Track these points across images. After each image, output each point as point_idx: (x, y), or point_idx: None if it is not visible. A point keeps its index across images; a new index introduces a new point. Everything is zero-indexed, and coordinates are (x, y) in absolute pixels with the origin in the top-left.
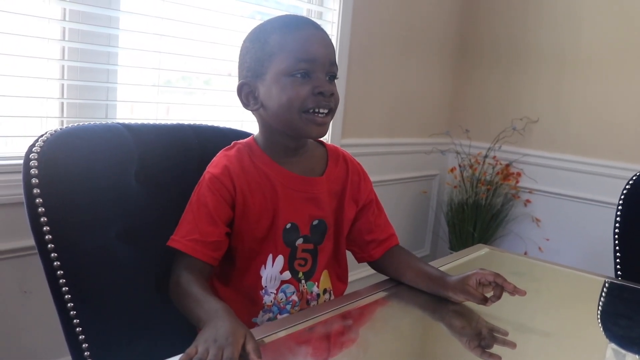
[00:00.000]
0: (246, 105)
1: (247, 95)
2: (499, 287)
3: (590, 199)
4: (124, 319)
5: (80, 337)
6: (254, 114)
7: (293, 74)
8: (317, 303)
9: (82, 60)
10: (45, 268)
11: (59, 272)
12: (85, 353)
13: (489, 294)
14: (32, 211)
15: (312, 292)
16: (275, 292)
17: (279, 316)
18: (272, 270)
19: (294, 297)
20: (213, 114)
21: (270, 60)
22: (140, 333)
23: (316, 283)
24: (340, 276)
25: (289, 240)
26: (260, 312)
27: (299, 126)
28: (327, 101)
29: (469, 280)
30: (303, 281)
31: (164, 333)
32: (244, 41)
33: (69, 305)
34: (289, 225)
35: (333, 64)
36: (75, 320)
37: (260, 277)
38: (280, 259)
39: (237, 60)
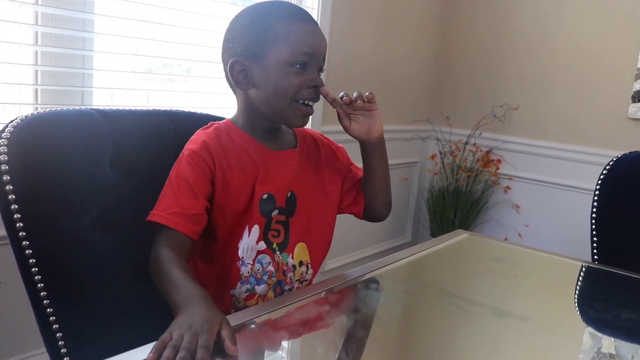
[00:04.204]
0: (236, 82)
1: (239, 73)
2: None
3: (568, 185)
4: (99, 309)
5: (54, 326)
6: (238, 92)
7: (293, 63)
8: (294, 274)
9: (56, 46)
10: (17, 257)
11: (30, 261)
12: (60, 342)
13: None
14: (2, 198)
15: (287, 264)
16: (252, 262)
17: (256, 287)
18: (249, 241)
19: (270, 268)
20: (194, 101)
21: (271, 45)
22: (116, 322)
23: (290, 254)
24: (322, 247)
25: (265, 210)
26: (238, 283)
27: (287, 114)
28: (317, 94)
29: (341, 119)
30: (278, 252)
31: (141, 322)
32: (240, 18)
33: (41, 294)
34: (265, 196)
35: (325, 58)
36: (48, 310)
37: (237, 249)
38: (255, 229)
39: (226, 34)
